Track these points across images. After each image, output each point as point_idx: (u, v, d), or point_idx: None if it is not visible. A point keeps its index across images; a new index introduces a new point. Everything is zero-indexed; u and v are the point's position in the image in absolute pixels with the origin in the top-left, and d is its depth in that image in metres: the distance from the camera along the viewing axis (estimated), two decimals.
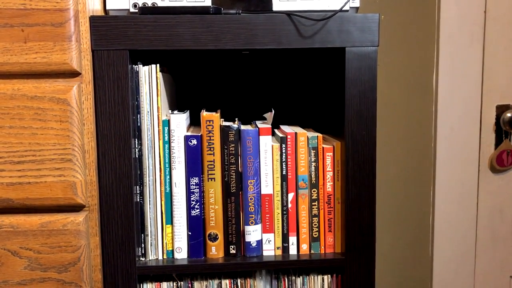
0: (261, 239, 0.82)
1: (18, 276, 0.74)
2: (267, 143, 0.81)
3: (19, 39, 0.70)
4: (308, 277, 0.82)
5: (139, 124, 0.78)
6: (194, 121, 0.98)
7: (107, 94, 0.75)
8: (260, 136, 0.81)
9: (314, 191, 0.82)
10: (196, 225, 0.81)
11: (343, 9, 0.78)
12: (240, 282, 0.82)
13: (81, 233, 0.74)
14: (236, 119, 0.89)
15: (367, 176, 0.79)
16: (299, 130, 0.85)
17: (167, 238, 0.81)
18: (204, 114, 0.80)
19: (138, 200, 0.79)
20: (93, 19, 0.73)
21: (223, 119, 0.84)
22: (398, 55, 1.20)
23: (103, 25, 0.74)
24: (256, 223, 0.81)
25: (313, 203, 0.82)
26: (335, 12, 0.75)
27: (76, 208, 0.74)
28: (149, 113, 0.78)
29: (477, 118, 1.24)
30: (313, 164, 0.82)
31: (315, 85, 1.04)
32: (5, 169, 0.72)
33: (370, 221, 0.80)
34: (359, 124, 0.78)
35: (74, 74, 0.72)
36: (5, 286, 0.74)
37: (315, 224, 0.83)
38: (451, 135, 1.23)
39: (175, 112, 0.83)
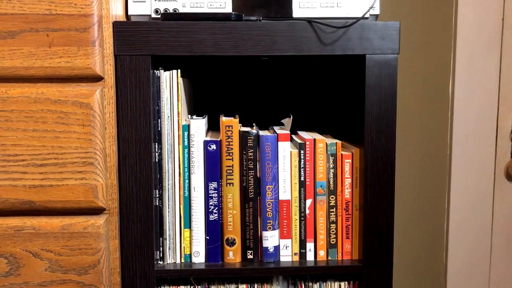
0: (279, 245, 0.82)
1: (38, 277, 0.75)
2: (285, 149, 0.81)
3: (44, 44, 0.71)
4: (325, 283, 0.83)
5: (159, 129, 0.79)
6: (211, 126, 0.98)
7: (128, 99, 0.76)
8: (279, 142, 0.81)
9: (332, 197, 0.82)
10: (214, 230, 0.81)
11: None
12: (257, 287, 0.82)
13: (101, 236, 0.74)
14: (254, 124, 0.90)
15: (385, 183, 0.79)
16: (317, 136, 0.85)
17: (185, 242, 0.82)
18: (224, 119, 0.80)
19: (157, 204, 0.80)
20: (116, 25, 0.74)
21: (240, 125, 0.85)
22: (414, 62, 1.20)
23: (126, 31, 0.74)
24: (273, 229, 0.82)
25: (331, 210, 0.82)
26: (357, 19, 0.75)
27: (96, 211, 0.75)
28: (170, 118, 0.79)
29: (493, 126, 1.23)
30: (332, 170, 0.82)
31: (333, 92, 1.04)
32: (28, 171, 0.73)
33: (388, 228, 0.80)
34: (378, 131, 0.78)
35: (97, 78, 0.73)
36: (26, 287, 0.74)
37: (333, 231, 0.83)
38: (467, 142, 1.23)
39: (194, 117, 0.84)
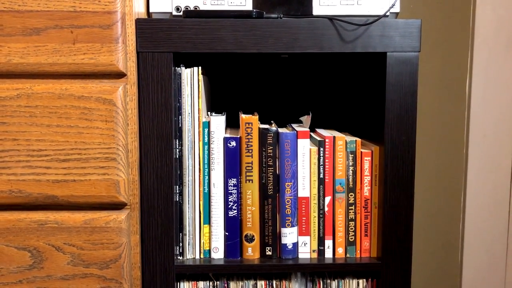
0: (297, 242, 0.83)
1: (61, 271, 0.76)
2: (305, 146, 0.82)
3: (68, 40, 0.72)
4: (343, 280, 0.83)
5: (180, 125, 0.80)
6: (229, 123, 0.99)
7: (150, 96, 0.76)
8: (298, 139, 0.81)
9: (351, 195, 0.82)
10: (233, 226, 0.82)
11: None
12: (276, 283, 0.83)
13: (122, 231, 0.75)
14: (272, 122, 0.90)
15: (405, 181, 0.79)
16: (336, 134, 0.85)
17: (205, 238, 0.82)
18: (244, 116, 0.81)
19: (177, 199, 0.81)
20: (139, 22, 0.75)
21: (259, 122, 0.85)
22: (431, 60, 1.19)
23: (149, 28, 0.75)
24: (292, 226, 0.82)
25: (350, 207, 0.83)
26: (379, 17, 0.75)
27: (118, 206, 0.76)
28: (190, 114, 0.80)
29: (510, 125, 1.22)
30: (351, 168, 0.82)
31: (351, 90, 1.04)
32: (51, 166, 0.74)
33: (407, 226, 0.80)
34: (399, 129, 0.78)
35: (120, 75, 0.74)
36: (49, 280, 0.76)
37: (352, 228, 0.83)
38: (484, 141, 1.22)
39: (214, 114, 0.84)
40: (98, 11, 0.72)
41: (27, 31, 0.72)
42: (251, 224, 0.82)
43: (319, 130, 0.90)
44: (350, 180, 0.82)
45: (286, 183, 0.81)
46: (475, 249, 1.25)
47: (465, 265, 1.25)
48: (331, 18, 0.76)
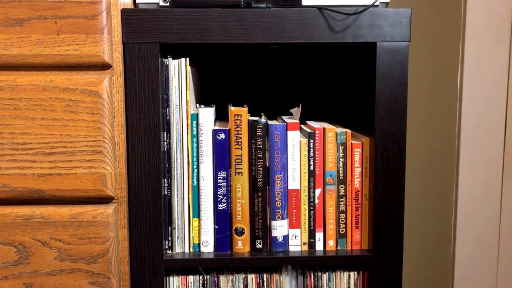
0: (288, 234, 0.82)
1: (48, 266, 0.74)
2: (295, 138, 0.81)
3: (52, 31, 0.71)
4: (334, 273, 0.82)
5: (168, 118, 0.78)
6: (218, 116, 0.98)
7: (137, 87, 0.75)
8: (288, 131, 0.80)
9: (342, 187, 0.82)
10: (223, 219, 0.81)
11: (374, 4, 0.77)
12: (266, 277, 0.82)
13: (110, 225, 0.74)
14: (262, 114, 0.89)
15: (396, 172, 0.78)
16: (326, 125, 0.84)
17: (194, 232, 0.81)
18: (233, 108, 0.80)
19: (166, 193, 0.80)
20: (125, 12, 0.74)
21: (249, 114, 0.84)
22: (422, 52, 1.19)
23: (135, 18, 0.74)
24: (282, 218, 0.81)
25: (340, 199, 0.82)
26: (368, 6, 0.75)
27: (105, 200, 0.75)
28: (178, 106, 0.78)
29: (502, 117, 1.22)
30: (341, 160, 0.81)
31: (342, 81, 1.03)
32: (37, 160, 0.72)
33: (398, 218, 0.79)
34: (389, 120, 0.77)
35: (105, 66, 0.73)
36: (35, 275, 0.74)
37: (342, 221, 0.82)
38: (475, 133, 1.22)
39: (203, 106, 0.83)
40: (82, 1, 0.70)
41: (10, 21, 0.70)
42: (241, 217, 0.81)
43: (310, 122, 0.89)
44: (340, 172, 0.81)
45: (276, 176, 0.80)
46: (467, 241, 1.25)
47: (457, 257, 1.25)
48: (320, 8, 0.75)
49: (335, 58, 1.06)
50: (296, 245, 0.82)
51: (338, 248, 0.83)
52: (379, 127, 0.77)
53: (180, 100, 0.78)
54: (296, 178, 0.81)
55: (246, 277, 0.82)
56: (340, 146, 0.81)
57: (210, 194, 0.81)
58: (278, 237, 0.81)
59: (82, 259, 0.75)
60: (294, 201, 0.82)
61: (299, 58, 1.07)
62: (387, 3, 0.81)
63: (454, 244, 1.25)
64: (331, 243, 0.83)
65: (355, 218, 0.82)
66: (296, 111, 0.88)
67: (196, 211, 0.81)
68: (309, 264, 0.83)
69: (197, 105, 0.87)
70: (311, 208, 0.82)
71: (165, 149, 0.79)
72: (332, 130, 0.81)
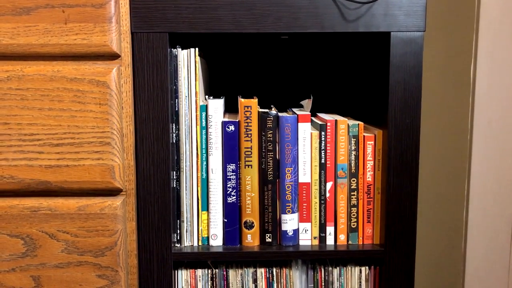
0: (298, 228, 0.81)
1: (55, 259, 0.74)
2: (306, 131, 0.79)
3: (59, 20, 0.69)
4: (345, 268, 0.81)
5: (177, 109, 0.77)
6: (228, 108, 0.96)
7: (146, 78, 0.74)
8: (299, 123, 0.79)
9: (354, 180, 0.80)
10: (232, 212, 0.80)
11: None
12: (276, 271, 0.81)
13: (118, 218, 0.73)
14: (272, 106, 0.87)
15: (410, 166, 0.76)
16: (338, 117, 0.83)
17: (203, 225, 0.80)
18: (242, 100, 0.78)
19: (174, 185, 0.78)
20: (133, 1, 0.72)
21: (259, 106, 0.83)
22: (434, 44, 1.16)
23: (143, 7, 0.72)
24: (293, 212, 0.80)
25: (352, 193, 0.80)
26: None
27: (113, 192, 0.74)
28: (187, 97, 0.77)
29: None
30: (353, 153, 0.79)
31: (354, 72, 1.01)
32: (44, 151, 0.72)
33: (411, 212, 0.77)
34: (403, 112, 0.75)
35: (113, 56, 0.71)
36: (42, 268, 0.73)
37: (354, 215, 0.81)
38: (488, 128, 1.19)
39: (212, 97, 0.81)
40: None
41: (17, 10, 0.69)
42: (251, 210, 0.80)
43: (321, 114, 0.88)
44: (352, 165, 0.80)
45: (287, 168, 0.79)
46: (479, 236, 1.23)
47: (468, 252, 1.23)
48: None
49: (347, 48, 1.04)
50: (307, 239, 0.81)
51: (350, 242, 0.81)
52: (392, 119, 0.75)
53: (189, 91, 0.77)
54: (307, 171, 0.80)
55: (256, 271, 0.81)
56: (352, 139, 0.79)
57: (219, 187, 0.79)
58: (288, 231, 0.80)
59: (89, 252, 0.74)
60: (304, 194, 0.80)
61: (310, 49, 1.05)
62: None
63: (465, 240, 1.23)
64: (342, 237, 0.81)
65: (367, 212, 0.81)
66: (307, 103, 0.86)
67: (205, 204, 0.80)
68: (320, 258, 0.81)
69: (206, 96, 0.85)
70: (322, 201, 0.80)
71: (174, 141, 0.78)
72: (344, 122, 0.79)
